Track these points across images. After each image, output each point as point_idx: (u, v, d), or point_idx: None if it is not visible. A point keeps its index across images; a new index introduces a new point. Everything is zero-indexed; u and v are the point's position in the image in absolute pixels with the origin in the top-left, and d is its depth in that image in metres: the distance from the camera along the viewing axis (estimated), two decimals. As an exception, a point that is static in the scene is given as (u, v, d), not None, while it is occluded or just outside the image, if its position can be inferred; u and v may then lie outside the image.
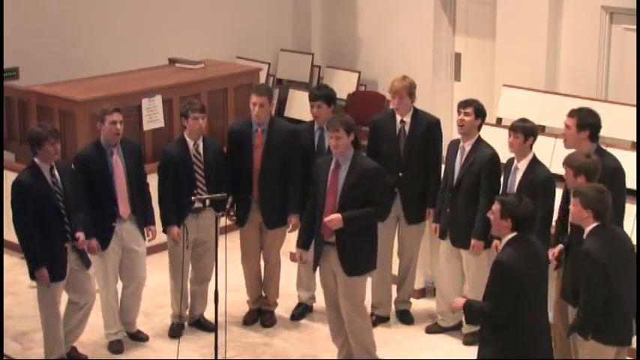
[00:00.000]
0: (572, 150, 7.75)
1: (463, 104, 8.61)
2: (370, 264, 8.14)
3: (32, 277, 8.11)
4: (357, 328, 8.15)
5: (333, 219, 7.86)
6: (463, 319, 8.84)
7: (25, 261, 8.16)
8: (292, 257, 10.25)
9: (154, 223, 8.76)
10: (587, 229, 6.86)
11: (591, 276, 6.73)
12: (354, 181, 7.90)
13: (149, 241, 8.81)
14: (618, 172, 7.72)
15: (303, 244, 8.29)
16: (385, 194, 8.25)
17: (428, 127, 8.93)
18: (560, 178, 7.89)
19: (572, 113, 7.89)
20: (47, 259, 8.00)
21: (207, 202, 8.52)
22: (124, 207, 8.55)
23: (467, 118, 8.53)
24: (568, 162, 7.38)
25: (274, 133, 8.89)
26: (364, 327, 8.21)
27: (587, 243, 6.80)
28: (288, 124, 9.35)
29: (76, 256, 8.19)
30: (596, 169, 7.30)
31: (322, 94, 8.95)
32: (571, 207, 6.95)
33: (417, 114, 8.96)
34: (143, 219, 8.68)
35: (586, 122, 7.80)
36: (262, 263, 9.25)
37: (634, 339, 7.15)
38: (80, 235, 8.13)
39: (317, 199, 8.09)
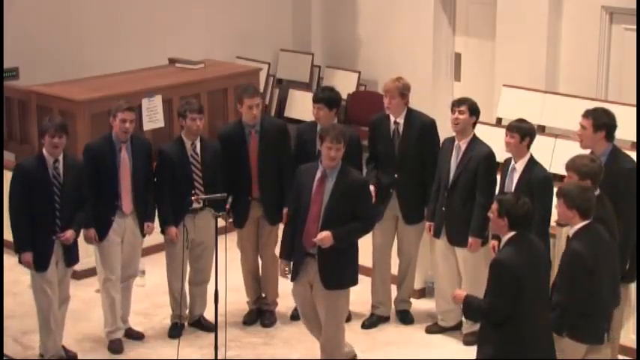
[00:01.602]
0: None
1: (457, 103, 8.63)
2: (351, 279, 7.97)
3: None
4: (332, 344, 8.02)
5: (324, 237, 7.70)
6: (463, 319, 8.86)
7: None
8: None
9: (153, 220, 8.79)
10: (575, 228, 6.88)
11: (577, 276, 6.77)
12: (341, 194, 7.77)
13: (147, 235, 8.84)
14: (634, 172, 7.70)
15: (287, 255, 8.08)
16: (372, 207, 8.16)
17: (422, 128, 8.91)
18: (560, 178, 7.89)
19: (588, 114, 7.85)
20: (32, 246, 8.11)
21: (206, 202, 8.51)
22: (126, 203, 8.59)
23: (461, 117, 8.54)
24: (573, 167, 7.32)
25: (266, 131, 8.91)
26: (338, 343, 8.05)
27: (575, 243, 6.83)
28: (277, 120, 9.40)
29: (61, 252, 8.24)
30: (601, 171, 7.32)
31: (324, 97, 8.86)
32: (556, 208, 6.95)
33: (411, 115, 8.94)
34: (145, 215, 8.72)
35: (602, 122, 7.76)
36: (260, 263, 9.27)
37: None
38: (69, 232, 8.18)
39: (298, 208, 7.94)
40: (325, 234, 7.71)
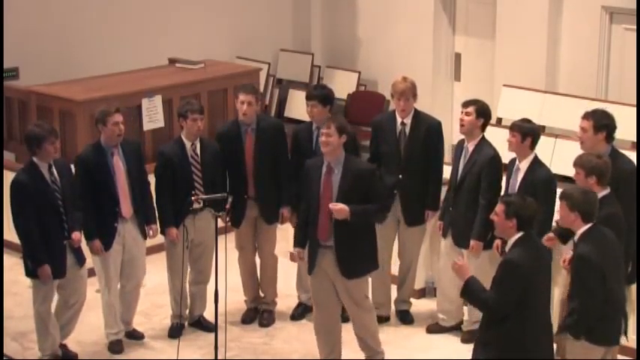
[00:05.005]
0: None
1: (465, 104, 8.61)
2: (370, 265, 8.09)
3: (29, 274, 8.18)
4: (366, 322, 8.18)
5: (341, 209, 7.72)
6: (463, 319, 8.86)
7: (22, 260, 8.22)
8: (292, 257, 10.25)
9: (155, 222, 8.77)
10: (579, 232, 6.86)
11: (588, 280, 6.72)
12: (350, 185, 7.83)
13: (150, 238, 8.82)
14: (634, 174, 7.69)
15: (300, 242, 8.20)
16: (382, 194, 8.22)
17: (428, 129, 8.92)
18: (560, 178, 7.87)
19: (588, 115, 7.85)
20: (48, 257, 8.04)
21: (206, 202, 8.50)
22: (126, 207, 8.55)
23: (467, 118, 8.52)
24: (580, 163, 7.34)
25: (263, 130, 8.92)
26: (371, 321, 8.23)
27: (581, 247, 6.80)
28: (274, 120, 9.46)
29: (72, 255, 8.22)
30: (608, 169, 7.31)
31: (317, 94, 8.92)
32: (559, 210, 6.93)
33: (418, 116, 8.95)
34: (144, 217, 8.69)
35: (602, 124, 7.78)
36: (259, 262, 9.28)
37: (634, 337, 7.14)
38: (76, 234, 8.17)
39: (309, 203, 8.01)
40: (342, 205, 7.74)
